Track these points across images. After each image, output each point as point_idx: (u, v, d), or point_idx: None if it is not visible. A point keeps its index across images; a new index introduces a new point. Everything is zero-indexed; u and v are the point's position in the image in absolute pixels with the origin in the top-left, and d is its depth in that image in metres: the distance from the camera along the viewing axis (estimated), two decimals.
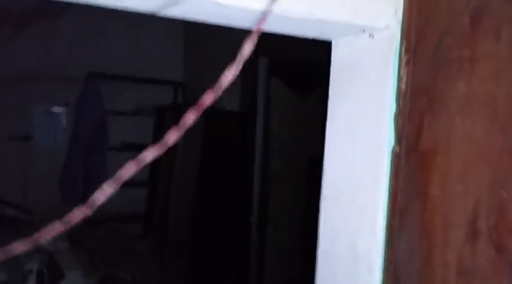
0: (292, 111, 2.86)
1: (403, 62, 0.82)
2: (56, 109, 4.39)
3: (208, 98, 0.53)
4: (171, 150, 4.02)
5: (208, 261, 3.58)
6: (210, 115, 3.72)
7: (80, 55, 4.27)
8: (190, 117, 0.53)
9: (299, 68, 2.71)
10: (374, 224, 0.84)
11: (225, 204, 3.50)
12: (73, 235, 3.96)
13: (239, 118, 3.63)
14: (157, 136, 4.37)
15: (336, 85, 0.96)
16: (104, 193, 0.50)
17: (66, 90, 4.28)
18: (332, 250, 0.92)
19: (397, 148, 0.82)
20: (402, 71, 0.83)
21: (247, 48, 0.55)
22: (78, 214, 0.49)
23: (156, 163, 4.47)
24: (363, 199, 0.88)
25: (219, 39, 4.10)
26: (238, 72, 0.55)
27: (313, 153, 1.61)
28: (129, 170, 0.51)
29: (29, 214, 3.10)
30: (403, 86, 0.82)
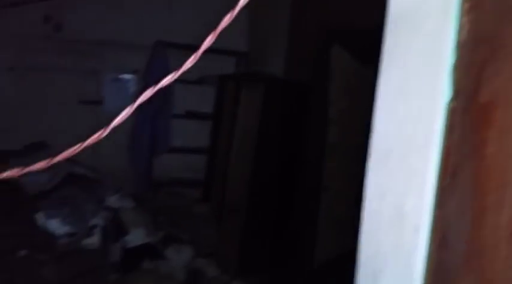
0: (353, 79, 2.78)
1: (465, 9, 0.75)
2: (125, 76, 4.57)
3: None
4: (232, 118, 4.07)
5: (263, 226, 3.63)
6: (269, 84, 3.74)
7: (148, 24, 4.38)
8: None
9: (361, 35, 2.61)
10: (423, 183, 0.80)
11: (282, 171, 3.50)
12: (137, 196, 4.17)
13: (298, 87, 3.59)
14: (220, 104, 4.44)
15: (391, 38, 0.90)
16: (121, 118, 0.52)
17: (135, 57, 4.43)
18: (378, 209, 0.89)
19: (454, 103, 0.76)
20: (463, 19, 0.76)
21: None
22: (94, 138, 0.51)
23: (216, 130, 4.56)
24: (413, 158, 0.83)
25: (282, 10, 4.03)
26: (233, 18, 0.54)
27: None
28: (146, 95, 0.52)
29: (97, 173, 3.29)
30: (464, 35, 0.75)
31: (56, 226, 2.75)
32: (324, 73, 2.76)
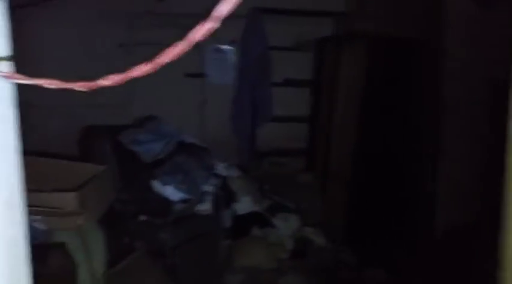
0: (474, 27, 2.47)
1: None
2: (225, 47, 4.60)
3: None
4: (333, 83, 3.92)
5: (371, 194, 3.48)
6: (372, 42, 3.49)
7: None
8: None
9: None
10: None
11: (390, 135, 3.30)
12: (242, 165, 4.24)
13: (405, 42, 3.30)
14: (319, 69, 4.29)
15: None
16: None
17: (232, 27, 4.44)
18: None
19: None
20: None
21: None
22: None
23: (317, 97, 4.44)
24: None
25: None
26: None
27: (497, 76, 1.36)
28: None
29: (205, 143, 3.38)
30: None
31: (171, 192, 2.87)
32: (437, 22, 2.49)
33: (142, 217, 2.93)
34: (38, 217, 2.11)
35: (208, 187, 3.05)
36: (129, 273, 2.58)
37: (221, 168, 3.19)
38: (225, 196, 3.26)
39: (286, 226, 3.89)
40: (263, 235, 3.73)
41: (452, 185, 2.35)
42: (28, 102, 4.09)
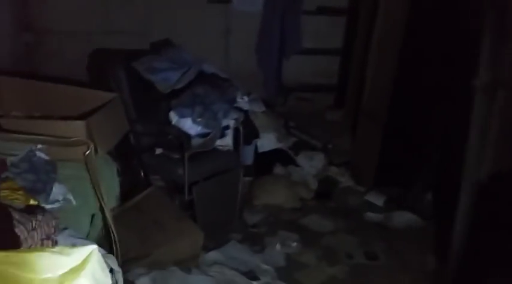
0: None
1: None
2: None
3: None
4: (371, 12, 3.53)
5: (406, 136, 3.21)
6: None
7: None
8: None
9: None
10: None
11: (435, 72, 2.97)
12: (267, 100, 3.99)
13: None
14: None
15: None
16: None
17: None
18: None
19: None
20: None
21: None
22: None
23: (352, 28, 4.07)
24: None
25: None
26: None
27: None
28: None
29: (227, 74, 3.11)
30: None
31: (189, 125, 2.68)
32: None
33: (158, 151, 2.77)
34: (42, 146, 1.95)
35: (229, 122, 2.84)
36: (143, 209, 2.46)
37: (244, 102, 2.96)
38: (247, 132, 3.05)
39: (310, 164, 3.70)
40: (286, 173, 3.55)
41: (507, 125, 2.06)
42: (47, 28, 3.93)
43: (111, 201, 2.38)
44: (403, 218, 3.19)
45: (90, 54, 3.76)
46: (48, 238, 1.41)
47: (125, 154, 2.76)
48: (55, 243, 1.47)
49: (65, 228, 1.65)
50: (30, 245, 1.35)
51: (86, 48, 3.89)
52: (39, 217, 1.41)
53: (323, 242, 2.91)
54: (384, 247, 2.88)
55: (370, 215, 3.24)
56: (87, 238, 1.97)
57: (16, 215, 1.35)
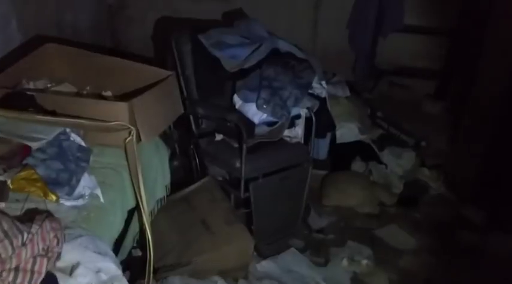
0: None
1: None
2: None
3: None
4: None
5: None
6: None
7: None
8: None
9: None
10: None
11: None
12: (355, 84, 3.50)
13: None
14: None
15: None
16: None
17: None
18: None
19: None
20: None
21: None
22: None
23: (467, 4, 3.38)
24: None
25: None
26: None
27: None
28: None
29: (307, 54, 2.67)
30: None
31: (253, 111, 2.33)
32: None
33: (219, 137, 2.46)
34: (78, 130, 1.73)
35: (300, 110, 2.44)
36: (192, 203, 2.19)
37: (321, 88, 2.52)
38: (322, 123, 2.62)
39: (397, 163, 3.18)
40: (366, 171, 3.08)
41: None
42: None
43: (158, 191, 2.13)
44: (506, 244, 2.60)
45: (156, 22, 3.54)
46: (44, 254, 1.16)
47: (181, 137, 2.50)
48: (56, 258, 1.22)
49: (80, 235, 1.40)
50: (17, 266, 1.10)
51: (167, 16, 3.70)
52: (35, 228, 1.15)
53: (401, 263, 2.45)
54: (477, 280, 2.34)
55: (464, 235, 2.68)
56: (117, 241, 1.78)
57: (4, 225, 1.11)
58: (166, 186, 2.19)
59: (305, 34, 3.70)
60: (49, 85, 2.17)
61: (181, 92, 2.39)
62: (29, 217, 1.27)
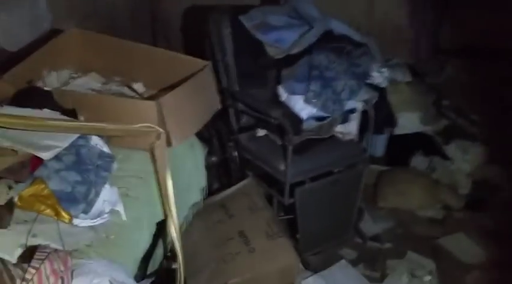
0: None
1: None
2: None
3: None
4: None
5: None
6: None
7: None
8: None
9: None
10: None
11: None
12: (417, 67, 3.10)
13: None
14: None
15: None
16: None
17: None
18: None
19: None
20: None
21: None
22: None
23: None
24: None
25: None
26: None
27: None
28: None
29: (364, 37, 2.31)
30: None
31: (301, 106, 2.03)
32: None
33: (261, 132, 2.19)
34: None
35: (356, 104, 2.11)
36: (230, 209, 1.95)
37: (381, 77, 2.16)
38: (381, 118, 2.29)
39: (464, 159, 2.79)
40: (429, 168, 2.73)
41: None
42: None
43: (193, 195, 1.90)
44: None
45: (185, 11, 3.24)
46: None
47: (218, 131, 2.25)
48: None
49: (93, 265, 1.19)
50: None
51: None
52: (30, 273, 0.94)
53: (467, 280, 2.12)
54: None
55: None
56: (146, 254, 1.57)
57: None
58: (202, 189, 1.96)
59: (359, 7, 3.29)
60: (74, 75, 1.97)
61: (219, 81, 2.12)
62: (31, 251, 1.07)
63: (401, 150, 2.80)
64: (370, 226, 2.39)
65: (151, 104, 1.58)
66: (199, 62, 1.86)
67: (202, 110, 1.80)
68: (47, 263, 0.98)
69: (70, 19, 2.65)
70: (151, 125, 1.47)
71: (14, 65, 1.72)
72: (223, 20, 2.15)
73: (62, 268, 1.01)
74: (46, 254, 1.01)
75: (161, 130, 1.49)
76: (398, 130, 2.80)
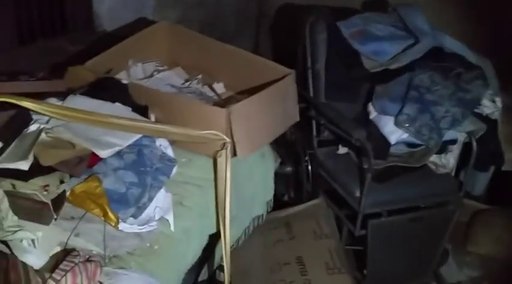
0: None
1: None
2: None
3: None
4: None
5: None
6: None
7: None
8: None
9: None
10: None
11: None
12: None
13: None
14: None
15: None
16: None
17: None
18: None
19: None
20: None
21: None
22: None
23: None
24: None
25: None
26: None
27: None
28: None
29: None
30: None
31: (391, 128, 1.80)
32: None
33: (342, 150, 2.00)
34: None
35: (458, 134, 1.83)
36: (294, 229, 1.81)
37: (493, 107, 1.85)
38: (485, 153, 1.96)
39: None
40: None
41: None
42: None
43: (257, 207, 1.80)
44: None
45: (278, 9, 3.07)
46: None
47: (296, 143, 2.10)
48: None
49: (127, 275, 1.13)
50: None
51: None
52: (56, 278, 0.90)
53: None
54: None
55: None
56: (193, 267, 1.50)
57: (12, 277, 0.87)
58: (267, 203, 1.85)
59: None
60: (160, 68, 1.95)
61: (305, 88, 1.98)
62: (64, 255, 1.03)
63: (507, 189, 2.42)
64: (453, 272, 2.09)
65: (221, 111, 1.49)
66: (282, 69, 1.72)
67: (278, 122, 1.67)
68: (69, 276, 0.93)
69: (175, 7, 2.67)
70: (218, 133, 1.37)
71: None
72: (319, 23, 1.99)
73: (85, 283, 0.96)
74: (72, 265, 0.96)
75: (227, 139, 1.39)
76: (506, 167, 2.42)
